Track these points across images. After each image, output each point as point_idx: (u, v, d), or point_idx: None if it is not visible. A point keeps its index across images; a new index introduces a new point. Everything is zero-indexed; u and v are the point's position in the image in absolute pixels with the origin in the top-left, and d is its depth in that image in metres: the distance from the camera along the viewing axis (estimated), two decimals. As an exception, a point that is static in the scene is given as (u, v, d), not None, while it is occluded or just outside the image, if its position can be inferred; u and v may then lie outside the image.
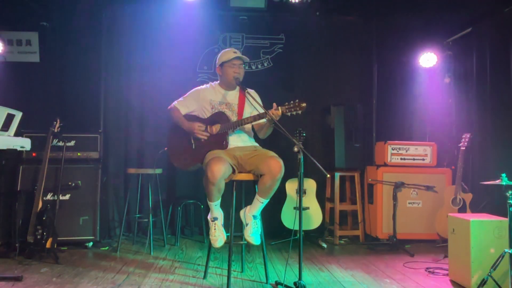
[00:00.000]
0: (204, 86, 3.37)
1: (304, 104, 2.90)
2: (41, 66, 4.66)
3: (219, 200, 3.06)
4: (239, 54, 3.21)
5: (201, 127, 3.17)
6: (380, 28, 5.08)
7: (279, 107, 2.95)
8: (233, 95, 3.30)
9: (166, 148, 3.42)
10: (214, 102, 3.26)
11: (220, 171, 2.84)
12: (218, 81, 3.36)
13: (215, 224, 3.10)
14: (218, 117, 3.20)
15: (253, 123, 3.17)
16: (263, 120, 3.12)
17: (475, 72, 4.44)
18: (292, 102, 2.93)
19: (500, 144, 4.06)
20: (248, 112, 3.28)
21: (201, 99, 3.28)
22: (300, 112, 2.91)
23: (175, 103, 3.32)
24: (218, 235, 3.08)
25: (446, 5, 4.60)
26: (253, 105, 3.20)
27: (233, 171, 2.99)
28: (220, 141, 3.14)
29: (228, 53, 3.22)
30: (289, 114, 2.94)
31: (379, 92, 5.10)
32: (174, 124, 3.33)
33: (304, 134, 4.14)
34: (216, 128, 3.20)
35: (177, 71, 4.83)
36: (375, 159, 4.86)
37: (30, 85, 4.62)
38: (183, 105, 3.30)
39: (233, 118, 3.21)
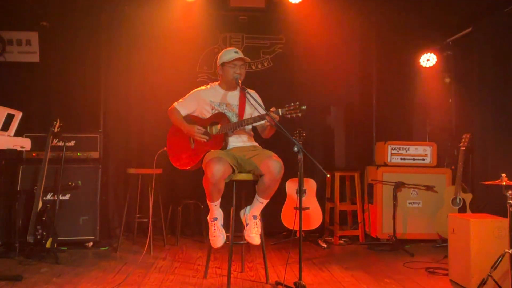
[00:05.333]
0: (204, 87, 3.36)
1: (304, 107, 2.89)
2: (41, 66, 4.66)
3: (219, 200, 3.05)
4: (241, 54, 3.19)
5: (200, 130, 3.17)
6: (380, 28, 5.08)
7: (279, 110, 2.93)
8: (234, 96, 3.29)
9: (165, 148, 3.42)
10: (214, 103, 3.25)
11: (219, 171, 2.84)
12: (219, 82, 3.36)
13: (214, 224, 3.09)
14: (218, 118, 3.19)
15: (254, 124, 3.17)
16: (263, 121, 3.11)
17: (475, 72, 4.43)
18: (292, 104, 2.92)
19: (500, 144, 4.05)
20: (248, 113, 3.27)
21: (201, 100, 3.28)
22: (300, 114, 2.89)
23: (175, 104, 3.31)
24: (218, 235, 3.08)
25: (446, 5, 4.60)
26: (254, 106, 3.19)
27: (233, 171, 2.98)
28: (220, 142, 3.14)
29: (230, 53, 3.20)
30: (289, 116, 2.93)
31: (379, 92, 5.10)
32: (174, 124, 3.33)
33: (304, 134, 4.14)
34: (216, 129, 3.20)
35: (177, 71, 4.83)
36: (375, 159, 4.87)
37: (30, 85, 4.62)
38: (183, 107, 3.29)
39: (234, 119, 3.20)
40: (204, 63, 4.97)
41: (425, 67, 4.98)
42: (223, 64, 3.22)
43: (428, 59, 4.93)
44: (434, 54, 4.90)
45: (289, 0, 4.67)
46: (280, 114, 2.93)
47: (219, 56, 3.27)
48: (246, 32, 5.04)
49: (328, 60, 5.06)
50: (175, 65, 4.85)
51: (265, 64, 5.06)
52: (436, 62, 4.92)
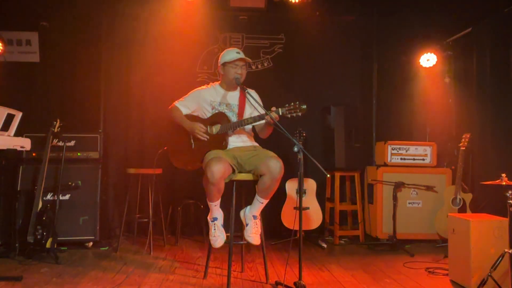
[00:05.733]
0: (205, 86, 3.36)
1: (304, 106, 2.87)
2: (41, 66, 4.66)
3: (219, 200, 3.06)
4: (242, 55, 3.19)
5: (202, 128, 3.16)
6: (380, 28, 5.08)
7: (279, 109, 2.93)
8: (234, 96, 3.29)
9: (166, 148, 3.42)
10: (214, 103, 3.25)
11: (219, 171, 2.84)
12: (219, 81, 3.36)
13: (214, 224, 3.10)
14: (219, 118, 3.19)
15: (253, 124, 3.17)
16: (263, 121, 3.11)
17: (475, 72, 4.43)
18: (292, 104, 2.91)
19: (500, 144, 4.05)
20: (248, 112, 3.27)
21: (202, 100, 3.28)
22: (300, 114, 2.89)
23: (176, 103, 3.31)
24: (218, 235, 3.08)
25: (446, 5, 4.60)
26: (254, 106, 3.19)
27: (233, 171, 2.98)
28: (220, 141, 3.14)
29: (231, 53, 3.20)
30: (289, 116, 2.92)
31: (379, 92, 5.10)
32: (174, 124, 3.32)
33: (304, 134, 4.14)
34: (216, 129, 3.20)
35: (177, 71, 4.83)
36: (375, 159, 4.87)
37: (30, 85, 4.62)
38: (184, 106, 3.29)
39: (234, 119, 3.20)
40: (204, 63, 4.97)
41: (425, 67, 4.98)
42: (224, 64, 3.22)
43: (428, 59, 4.92)
44: (434, 54, 4.89)
45: (289, 0, 4.67)
46: (280, 113, 2.92)
47: (220, 55, 3.27)
48: (246, 32, 5.04)
49: (328, 60, 5.06)
50: (175, 65, 4.85)
51: (265, 64, 5.06)
52: (436, 62, 4.91)
